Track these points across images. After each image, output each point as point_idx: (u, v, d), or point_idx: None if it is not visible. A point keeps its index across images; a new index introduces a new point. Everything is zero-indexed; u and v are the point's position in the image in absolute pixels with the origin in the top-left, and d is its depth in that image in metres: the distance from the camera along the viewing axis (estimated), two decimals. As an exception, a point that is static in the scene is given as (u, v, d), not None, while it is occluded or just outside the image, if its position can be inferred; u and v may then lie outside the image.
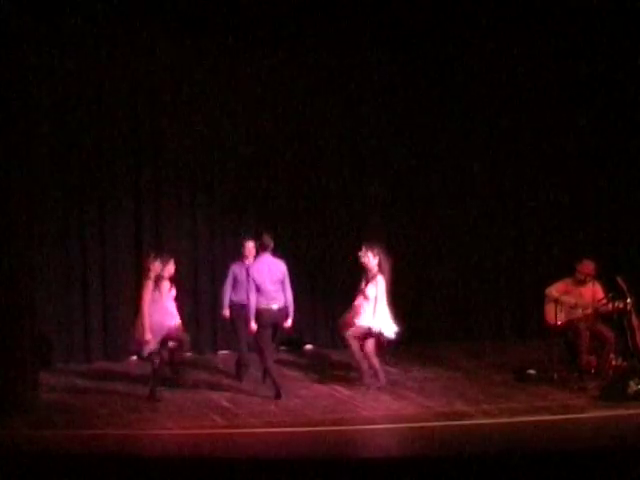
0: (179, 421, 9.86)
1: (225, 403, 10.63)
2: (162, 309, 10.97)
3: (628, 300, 11.18)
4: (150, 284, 10.92)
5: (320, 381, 11.78)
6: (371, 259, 11.35)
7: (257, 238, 11.46)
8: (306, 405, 10.53)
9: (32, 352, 10.51)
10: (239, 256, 12.15)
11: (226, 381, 11.77)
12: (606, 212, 14.66)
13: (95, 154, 13.26)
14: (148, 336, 10.73)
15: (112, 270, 13.34)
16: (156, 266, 11.04)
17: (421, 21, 13.88)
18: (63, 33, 12.94)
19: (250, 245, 12.06)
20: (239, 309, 11.84)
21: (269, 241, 11.12)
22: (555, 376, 11.35)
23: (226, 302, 12.00)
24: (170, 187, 13.68)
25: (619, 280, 11.22)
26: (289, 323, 11.11)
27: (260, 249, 11.20)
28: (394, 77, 14.28)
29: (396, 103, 14.34)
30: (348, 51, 14.13)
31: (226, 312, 12.02)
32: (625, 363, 11.34)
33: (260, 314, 10.81)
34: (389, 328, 11.29)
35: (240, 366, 11.97)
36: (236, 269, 12.03)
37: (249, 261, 12.01)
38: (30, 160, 10.80)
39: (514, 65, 14.44)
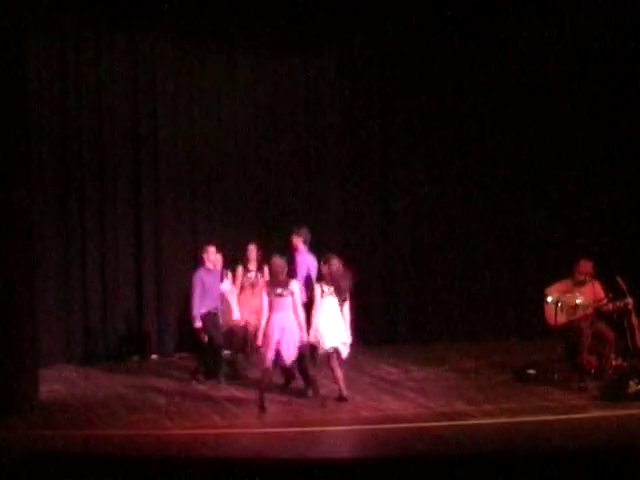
0: (179, 421, 9.85)
1: (225, 403, 10.62)
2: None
3: (628, 300, 11.17)
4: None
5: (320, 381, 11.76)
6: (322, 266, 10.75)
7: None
8: (306, 405, 10.51)
9: (32, 352, 10.50)
10: (201, 262, 11.76)
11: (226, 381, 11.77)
12: (606, 212, 14.66)
13: (95, 155, 13.28)
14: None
15: (112, 270, 13.34)
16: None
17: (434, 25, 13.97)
18: (63, 34, 12.98)
19: (253, 248, 11.97)
20: (209, 317, 11.55)
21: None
22: (555, 376, 11.34)
23: (197, 313, 11.51)
24: (170, 190, 13.70)
25: (619, 280, 11.21)
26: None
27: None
28: (397, 80, 14.37)
29: (397, 107, 14.44)
30: (349, 53, 14.20)
31: (198, 324, 11.55)
32: (625, 363, 11.33)
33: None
34: (328, 341, 10.41)
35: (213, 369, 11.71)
36: (203, 277, 11.57)
37: (252, 265, 11.91)
38: (30, 160, 10.79)
39: (514, 69, 14.54)
